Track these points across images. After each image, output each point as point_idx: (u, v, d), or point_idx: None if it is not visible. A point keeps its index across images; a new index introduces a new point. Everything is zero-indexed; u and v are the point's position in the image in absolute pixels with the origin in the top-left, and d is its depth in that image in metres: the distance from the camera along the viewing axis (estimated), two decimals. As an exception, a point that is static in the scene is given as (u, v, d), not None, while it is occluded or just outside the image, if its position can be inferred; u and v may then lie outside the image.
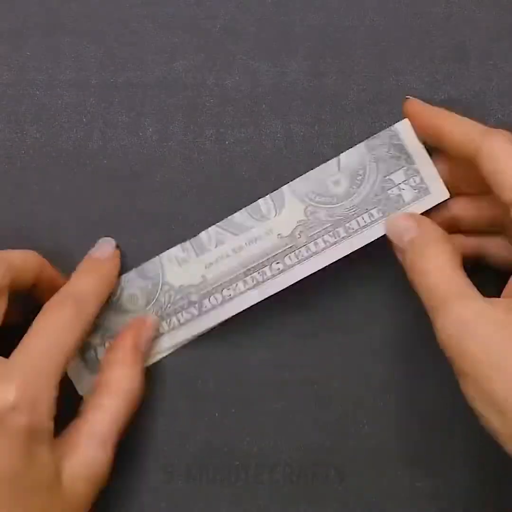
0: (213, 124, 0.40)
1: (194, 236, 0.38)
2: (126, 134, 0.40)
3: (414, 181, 0.38)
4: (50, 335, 0.35)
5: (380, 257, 0.39)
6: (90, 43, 0.40)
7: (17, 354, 0.34)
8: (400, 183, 0.38)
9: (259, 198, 0.38)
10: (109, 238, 0.39)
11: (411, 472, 0.40)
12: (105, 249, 0.39)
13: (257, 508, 0.40)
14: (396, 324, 0.40)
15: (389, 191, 0.38)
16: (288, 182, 0.38)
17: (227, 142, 0.40)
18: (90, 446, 0.35)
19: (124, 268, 0.40)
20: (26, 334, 0.35)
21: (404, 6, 0.40)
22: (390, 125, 0.39)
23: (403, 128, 0.38)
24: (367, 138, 0.38)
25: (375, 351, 0.39)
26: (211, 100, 0.40)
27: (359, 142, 0.39)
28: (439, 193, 0.38)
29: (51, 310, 0.36)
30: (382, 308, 0.40)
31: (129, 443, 0.39)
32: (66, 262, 0.40)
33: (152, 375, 0.39)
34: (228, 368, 0.40)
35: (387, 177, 0.38)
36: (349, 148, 0.39)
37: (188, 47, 0.40)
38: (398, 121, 0.39)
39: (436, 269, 0.34)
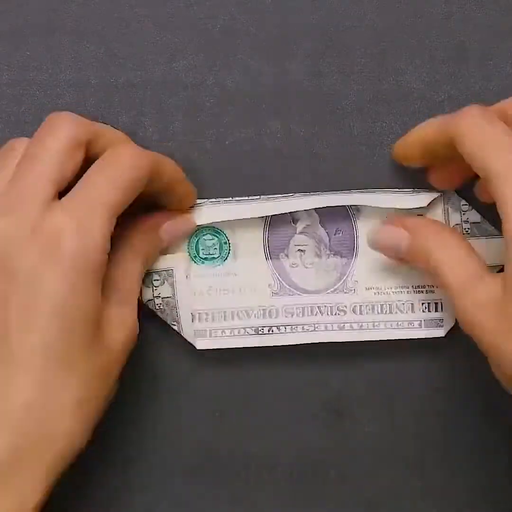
0: (213, 124, 0.40)
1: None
2: (126, 134, 0.40)
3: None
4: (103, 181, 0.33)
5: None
6: (90, 43, 0.40)
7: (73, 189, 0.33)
8: None
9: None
10: None
11: (410, 472, 0.40)
12: None
13: (257, 508, 0.40)
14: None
15: None
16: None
17: (227, 142, 0.40)
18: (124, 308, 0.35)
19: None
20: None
21: (404, 6, 0.40)
22: (390, 125, 0.39)
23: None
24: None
25: (375, 350, 0.39)
26: (211, 100, 0.40)
27: (359, 142, 0.39)
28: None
29: None
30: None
31: (127, 442, 0.39)
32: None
33: (153, 373, 0.39)
34: (228, 369, 0.40)
35: None
36: (349, 148, 0.39)
37: (188, 47, 0.40)
38: (398, 121, 0.39)
39: (449, 258, 0.34)
